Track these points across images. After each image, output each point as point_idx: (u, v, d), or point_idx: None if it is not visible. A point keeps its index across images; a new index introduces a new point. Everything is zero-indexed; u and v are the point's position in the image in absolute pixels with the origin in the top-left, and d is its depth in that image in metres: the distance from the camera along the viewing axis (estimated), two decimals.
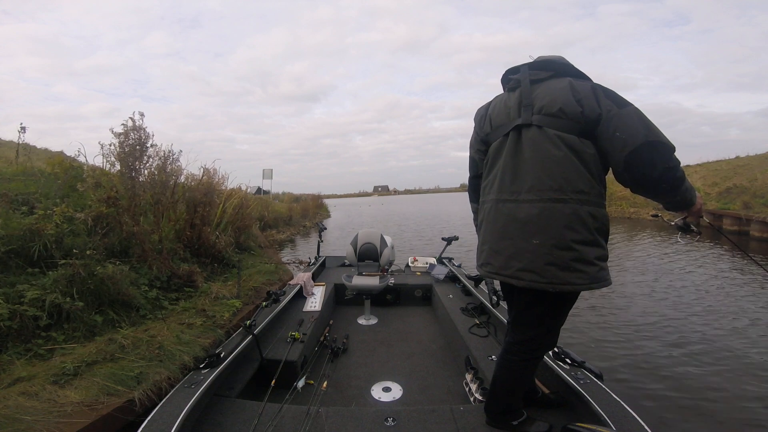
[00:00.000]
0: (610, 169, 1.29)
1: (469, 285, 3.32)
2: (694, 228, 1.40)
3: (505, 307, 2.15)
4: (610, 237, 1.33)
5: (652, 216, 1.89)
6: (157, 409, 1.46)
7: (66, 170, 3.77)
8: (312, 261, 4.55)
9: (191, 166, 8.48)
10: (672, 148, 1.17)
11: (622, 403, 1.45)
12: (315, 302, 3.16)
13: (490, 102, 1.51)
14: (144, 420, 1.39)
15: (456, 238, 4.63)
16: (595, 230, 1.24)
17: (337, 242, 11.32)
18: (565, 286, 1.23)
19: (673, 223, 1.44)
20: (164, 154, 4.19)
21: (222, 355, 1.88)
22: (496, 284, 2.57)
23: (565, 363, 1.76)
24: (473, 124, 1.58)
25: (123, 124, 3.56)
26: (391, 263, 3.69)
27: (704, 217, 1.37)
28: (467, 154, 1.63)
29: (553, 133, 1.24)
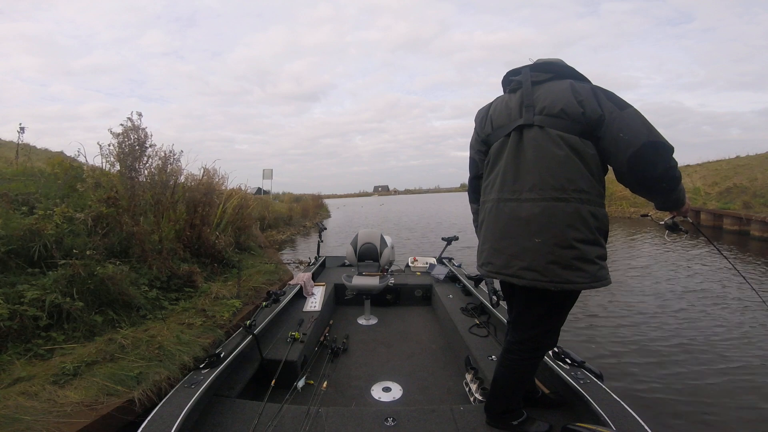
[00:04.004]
0: (611, 169, 1.31)
1: (469, 285, 3.31)
2: (682, 228, 1.44)
3: (505, 307, 2.15)
4: (609, 236, 1.34)
5: (642, 216, 1.97)
6: (157, 409, 1.46)
7: (66, 170, 3.76)
8: (312, 261, 4.55)
9: (191, 166, 8.50)
10: (671, 149, 1.19)
11: (622, 403, 1.45)
12: (315, 302, 3.16)
13: (491, 103, 1.52)
14: (144, 420, 1.39)
15: (456, 238, 4.64)
16: (595, 229, 1.26)
17: (337, 242, 11.33)
18: (566, 284, 1.24)
19: (662, 223, 1.47)
20: (164, 154, 4.19)
21: (222, 355, 1.88)
22: (496, 284, 2.57)
23: (565, 363, 1.76)
24: (474, 124, 1.59)
25: (122, 125, 3.56)
26: (391, 263, 3.69)
27: (688, 217, 1.41)
28: (467, 153, 1.64)
29: (555, 133, 1.25)
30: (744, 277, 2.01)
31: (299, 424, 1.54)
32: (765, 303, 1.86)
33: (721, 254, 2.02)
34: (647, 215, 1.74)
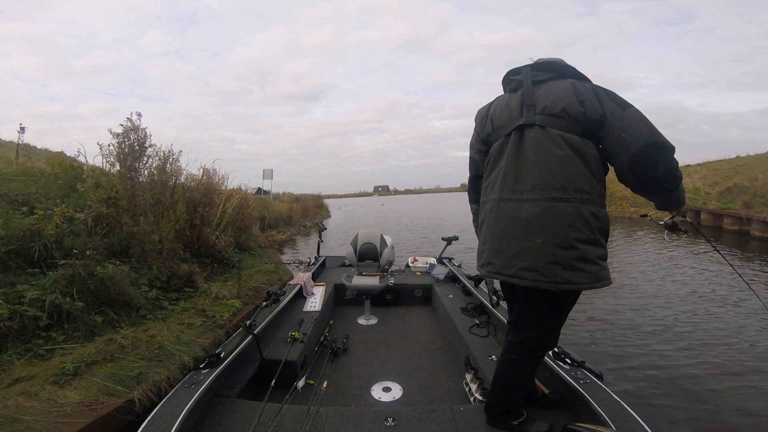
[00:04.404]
0: (612, 169, 1.31)
1: (469, 285, 3.31)
2: (681, 228, 1.44)
3: (505, 307, 2.15)
4: (609, 236, 1.34)
5: (641, 216, 1.98)
6: (157, 409, 1.46)
7: (66, 170, 3.76)
8: (312, 261, 4.54)
9: (191, 166, 8.50)
10: (672, 149, 1.18)
11: (622, 403, 1.45)
12: (315, 302, 3.16)
13: (491, 102, 1.52)
14: (144, 420, 1.39)
15: (456, 238, 4.63)
16: (596, 229, 1.25)
17: (337, 242, 11.33)
18: (567, 285, 1.23)
19: (662, 223, 1.48)
20: (164, 154, 4.19)
21: (222, 355, 1.88)
22: (496, 284, 2.57)
23: (565, 363, 1.76)
24: (474, 124, 1.58)
25: (122, 125, 3.56)
26: (391, 263, 3.69)
27: (687, 217, 1.41)
28: (467, 153, 1.63)
29: (555, 133, 1.25)
30: (744, 279, 2.01)
31: (299, 424, 1.54)
32: (766, 306, 1.85)
33: (721, 255, 2.02)
34: (647, 215, 1.75)
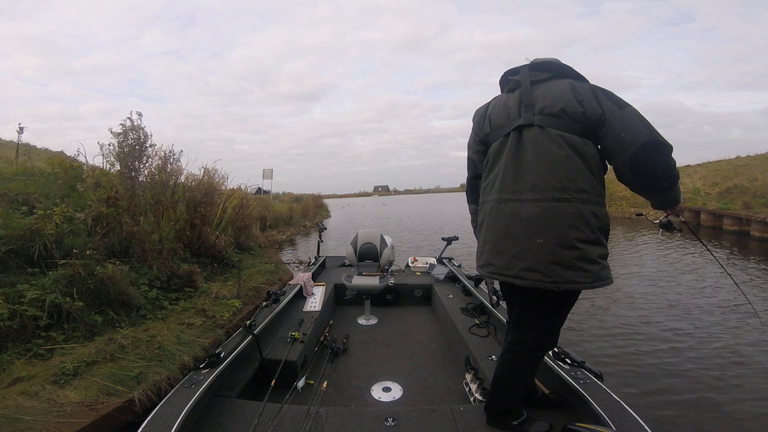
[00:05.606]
0: (611, 169, 1.32)
1: (469, 285, 3.31)
2: (676, 226, 1.45)
3: (505, 307, 2.15)
4: (610, 236, 1.34)
5: (637, 215, 1.99)
6: (157, 409, 1.46)
7: (66, 170, 3.76)
8: (312, 261, 4.55)
9: (191, 166, 8.50)
10: (670, 148, 1.19)
11: (622, 403, 1.45)
12: (315, 302, 3.16)
13: (489, 103, 1.52)
14: (144, 420, 1.39)
15: (456, 238, 4.64)
16: (597, 229, 1.26)
17: (337, 242, 11.32)
18: (569, 285, 1.23)
19: (657, 221, 1.48)
20: (164, 154, 4.19)
21: (222, 355, 1.88)
22: (496, 284, 2.57)
23: (565, 363, 1.76)
24: (471, 125, 1.58)
25: (121, 124, 3.56)
26: (391, 263, 3.69)
27: (681, 216, 1.41)
28: (466, 154, 1.63)
29: (555, 132, 1.25)
30: (735, 281, 2.01)
31: (299, 424, 1.54)
32: (753, 306, 1.86)
33: (713, 257, 2.03)
34: (642, 214, 1.76)
